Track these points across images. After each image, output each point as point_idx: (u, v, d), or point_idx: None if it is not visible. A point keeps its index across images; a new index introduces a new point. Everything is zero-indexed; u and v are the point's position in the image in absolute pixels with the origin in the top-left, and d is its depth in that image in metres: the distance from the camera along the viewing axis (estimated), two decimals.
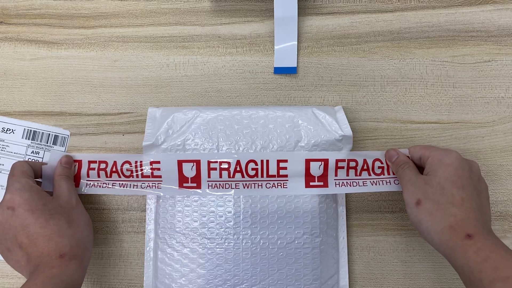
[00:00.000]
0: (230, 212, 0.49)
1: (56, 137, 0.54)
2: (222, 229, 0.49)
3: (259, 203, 0.49)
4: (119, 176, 0.50)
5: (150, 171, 0.49)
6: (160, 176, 0.50)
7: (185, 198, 0.50)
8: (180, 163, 0.49)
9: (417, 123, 0.54)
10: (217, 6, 0.56)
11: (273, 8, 0.53)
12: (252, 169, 0.49)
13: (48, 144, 0.54)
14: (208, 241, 0.49)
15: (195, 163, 0.49)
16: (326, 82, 0.54)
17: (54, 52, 0.55)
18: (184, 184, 0.49)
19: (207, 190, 0.49)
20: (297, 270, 0.49)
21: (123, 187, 0.50)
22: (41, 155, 0.53)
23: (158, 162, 0.49)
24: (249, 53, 0.55)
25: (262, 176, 0.49)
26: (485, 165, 0.53)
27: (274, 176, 0.49)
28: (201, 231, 0.49)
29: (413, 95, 0.54)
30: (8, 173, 0.47)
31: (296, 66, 0.54)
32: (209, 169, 0.49)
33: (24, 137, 0.54)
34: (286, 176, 0.49)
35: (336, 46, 0.55)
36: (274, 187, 0.50)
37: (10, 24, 0.56)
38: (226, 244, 0.49)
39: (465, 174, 0.44)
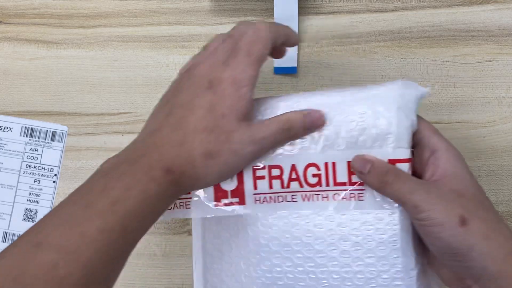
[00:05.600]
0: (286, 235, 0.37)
1: (54, 133, 0.54)
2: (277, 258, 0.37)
3: (325, 223, 0.36)
4: None
5: None
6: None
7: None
8: None
9: None
10: (217, 6, 0.56)
11: (273, 8, 0.53)
12: (313, 175, 0.36)
13: (46, 141, 0.53)
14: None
15: None
16: (326, 82, 0.54)
17: (53, 52, 0.55)
18: (223, 200, 0.37)
19: (255, 206, 0.37)
20: None
21: None
22: (39, 152, 0.53)
23: None
24: None
25: (327, 184, 0.36)
26: (486, 165, 0.53)
27: (344, 183, 0.36)
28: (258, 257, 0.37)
29: None
30: None
31: (296, 66, 0.54)
32: (255, 177, 0.37)
33: (22, 135, 0.53)
34: (362, 183, 0.35)
35: (337, 46, 0.55)
36: (345, 200, 0.36)
37: (9, 23, 0.56)
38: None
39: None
